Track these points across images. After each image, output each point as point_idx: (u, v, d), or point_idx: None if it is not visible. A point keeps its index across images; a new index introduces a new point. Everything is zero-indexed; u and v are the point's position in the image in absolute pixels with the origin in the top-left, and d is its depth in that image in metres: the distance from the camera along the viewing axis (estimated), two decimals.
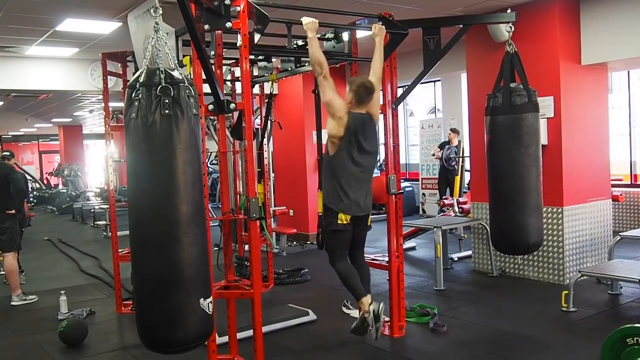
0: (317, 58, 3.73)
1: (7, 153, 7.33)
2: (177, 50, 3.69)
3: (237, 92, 5.49)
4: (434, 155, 10.32)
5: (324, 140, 4.00)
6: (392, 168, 4.56)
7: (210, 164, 14.99)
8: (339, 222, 3.83)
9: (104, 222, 11.40)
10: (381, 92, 4.30)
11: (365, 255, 4.25)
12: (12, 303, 6.08)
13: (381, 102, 4.35)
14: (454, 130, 9.93)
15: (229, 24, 3.38)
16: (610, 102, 6.66)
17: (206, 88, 3.44)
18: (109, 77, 5.70)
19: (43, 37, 6.66)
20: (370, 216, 4.04)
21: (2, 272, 7.05)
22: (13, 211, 6.17)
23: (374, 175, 4.19)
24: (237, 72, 5.42)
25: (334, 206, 3.84)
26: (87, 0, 5.22)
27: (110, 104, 5.76)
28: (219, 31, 3.72)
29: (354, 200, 3.84)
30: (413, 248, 8.23)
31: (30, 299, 6.18)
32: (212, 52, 3.81)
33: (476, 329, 4.75)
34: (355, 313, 5.05)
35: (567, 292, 5.04)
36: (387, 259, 4.63)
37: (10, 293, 6.19)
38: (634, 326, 3.15)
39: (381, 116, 4.30)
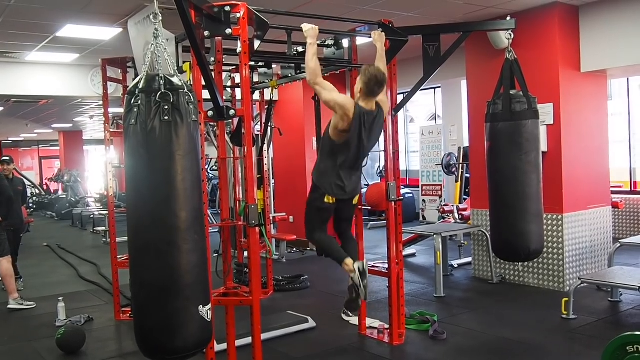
0: (309, 65, 3.66)
1: (7, 158, 7.33)
2: (177, 56, 3.70)
3: (237, 98, 5.49)
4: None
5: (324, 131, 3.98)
6: (392, 175, 4.56)
7: (210, 170, 14.99)
8: (325, 200, 3.86)
9: (103, 228, 11.39)
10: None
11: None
12: (9, 306, 6.06)
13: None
14: None
15: (229, 31, 3.38)
16: (609, 109, 6.67)
17: (206, 94, 3.44)
18: (109, 83, 5.71)
19: (43, 43, 6.67)
20: (358, 196, 4.07)
21: None
22: None
23: (373, 182, 4.17)
24: (237, 79, 5.42)
25: (323, 188, 3.85)
26: (88, 6, 5.23)
27: (110, 110, 5.77)
28: (219, 37, 3.71)
29: (344, 188, 3.86)
30: (413, 255, 8.22)
31: (27, 304, 6.16)
32: (212, 59, 3.80)
33: (476, 336, 4.74)
34: (355, 320, 5.04)
35: (567, 299, 5.02)
36: (386, 265, 4.61)
37: (5, 300, 6.16)
38: (634, 334, 3.14)
39: None
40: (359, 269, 3.76)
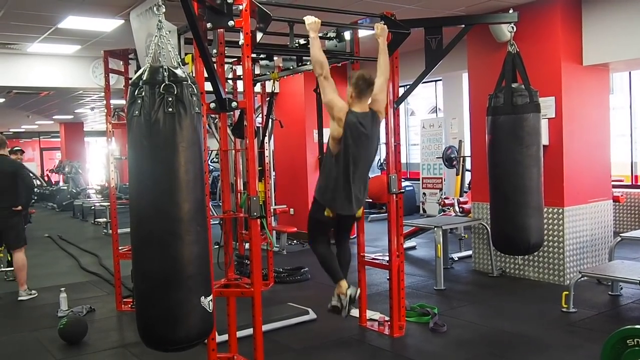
0: (317, 58, 3.71)
1: (18, 148, 7.37)
2: (179, 48, 3.69)
3: (238, 90, 5.49)
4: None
5: (325, 140, 4.00)
6: (393, 167, 4.57)
7: (211, 162, 14.99)
8: (325, 214, 3.86)
9: (104, 220, 11.40)
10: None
11: (365, 255, 4.22)
12: (20, 298, 6.11)
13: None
14: None
15: (231, 23, 3.38)
16: (611, 103, 6.65)
17: (208, 86, 3.45)
18: (110, 74, 5.70)
19: (45, 35, 6.66)
20: (362, 208, 4.06)
21: (2, 269, 7.05)
22: (19, 208, 6.19)
23: (374, 175, 4.17)
24: (239, 71, 5.41)
25: (324, 202, 3.87)
26: None
27: (112, 102, 5.77)
28: (221, 29, 3.72)
29: (345, 202, 3.85)
30: (413, 247, 8.23)
31: (32, 293, 6.24)
32: (214, 51, 3.81)
33: (476, 328, 4.76)
34: (355, 313, 5.05)
35: (567, 292, 5.04)
36: (387, 258, 4.63)
37: (10, 289, 6.19)
38: (634, 327, 3.15)
39: None
40: (350, 295, 3.85)
